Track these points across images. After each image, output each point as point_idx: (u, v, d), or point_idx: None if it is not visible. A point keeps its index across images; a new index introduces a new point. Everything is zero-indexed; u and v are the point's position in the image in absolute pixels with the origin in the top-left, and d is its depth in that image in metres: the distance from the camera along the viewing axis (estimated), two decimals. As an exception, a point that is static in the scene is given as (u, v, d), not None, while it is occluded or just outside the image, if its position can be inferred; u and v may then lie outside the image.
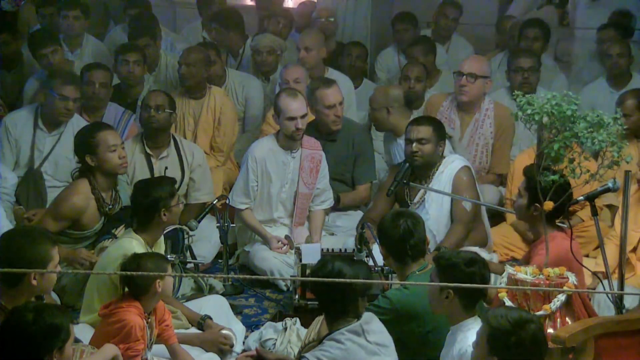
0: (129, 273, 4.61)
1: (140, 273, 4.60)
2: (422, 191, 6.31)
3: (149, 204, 5.25)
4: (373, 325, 4.37)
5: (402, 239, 4.84)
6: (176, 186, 5.69)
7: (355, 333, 4.30)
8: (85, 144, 6.01)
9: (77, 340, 4.37)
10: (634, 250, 5.87)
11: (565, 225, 5.08)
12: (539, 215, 4.92)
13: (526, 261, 5.04)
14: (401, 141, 7.01)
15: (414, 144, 6.22)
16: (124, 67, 7.56)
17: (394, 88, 7.30)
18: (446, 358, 4.33)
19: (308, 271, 5.68)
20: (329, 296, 4.33)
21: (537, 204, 4.92)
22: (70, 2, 8.31)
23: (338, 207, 6.97)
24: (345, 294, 4.28)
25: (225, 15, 8.75)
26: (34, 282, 4.18)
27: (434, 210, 6.26)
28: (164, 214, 5.25)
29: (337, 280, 4.27)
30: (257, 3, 9.60)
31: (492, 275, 5.50)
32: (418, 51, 8.15)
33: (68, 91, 6.69)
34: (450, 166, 6.32)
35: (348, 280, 4.17)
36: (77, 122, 6.82)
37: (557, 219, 5.07)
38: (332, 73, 8.18)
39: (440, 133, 6.31)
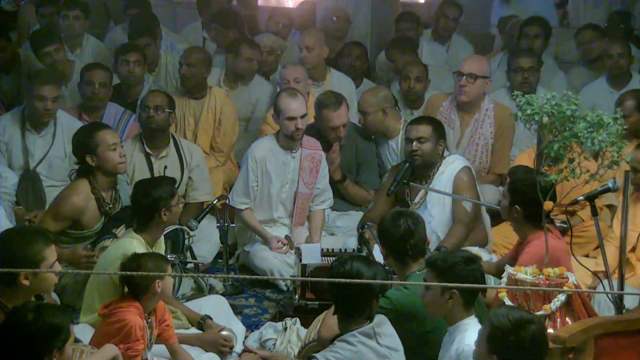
0: (129, 273, 4.61)
1: (140, 273, 4.60)
2: (422, 191, 6.31)
3: (149, 204, 5.24)
4: (385, 329, 4.35)
5: (402, 239, 4.84)
6: (176, 186, 5.69)
7: (367, 335, 4.28)
8: (84, 144, 5.99)
9: (77, 340, 4.37)
10: (633, 250, 5.86)
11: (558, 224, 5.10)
12: (519, 217, 4.96)
13: (510, 260, 5.05)
14: (392, 142, 7.03)
15: (414, 143, 6.23)
16: (124, 67, 7.55)
17: (381, 89, 7.30)
18: (444, 359, 4.32)
19: (308, 271, 5.70)
20: (344, 296, 4.30)
21: (517, 206, 4.97)
22: (70, 2, 8.31)
23: (343, 182, 6.95)
24: (360, 295, 4.27)
25: (225, 15, 8.75)
26: (26, 282, 4.16)
27: (435, 210, 6.25)
28: (164, 214, 5.25)
29: (336, 280, 4.26)
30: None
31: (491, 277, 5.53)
32: (393, 53, 8.15)
33: (46, 91, 6.65)
34: (451, 166, 6.32)
35: (348, 280, 4.15)
36: (68, 123, 6.82)
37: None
38: (333, 73, 8.19)
39: (440, 133, 6.32)
